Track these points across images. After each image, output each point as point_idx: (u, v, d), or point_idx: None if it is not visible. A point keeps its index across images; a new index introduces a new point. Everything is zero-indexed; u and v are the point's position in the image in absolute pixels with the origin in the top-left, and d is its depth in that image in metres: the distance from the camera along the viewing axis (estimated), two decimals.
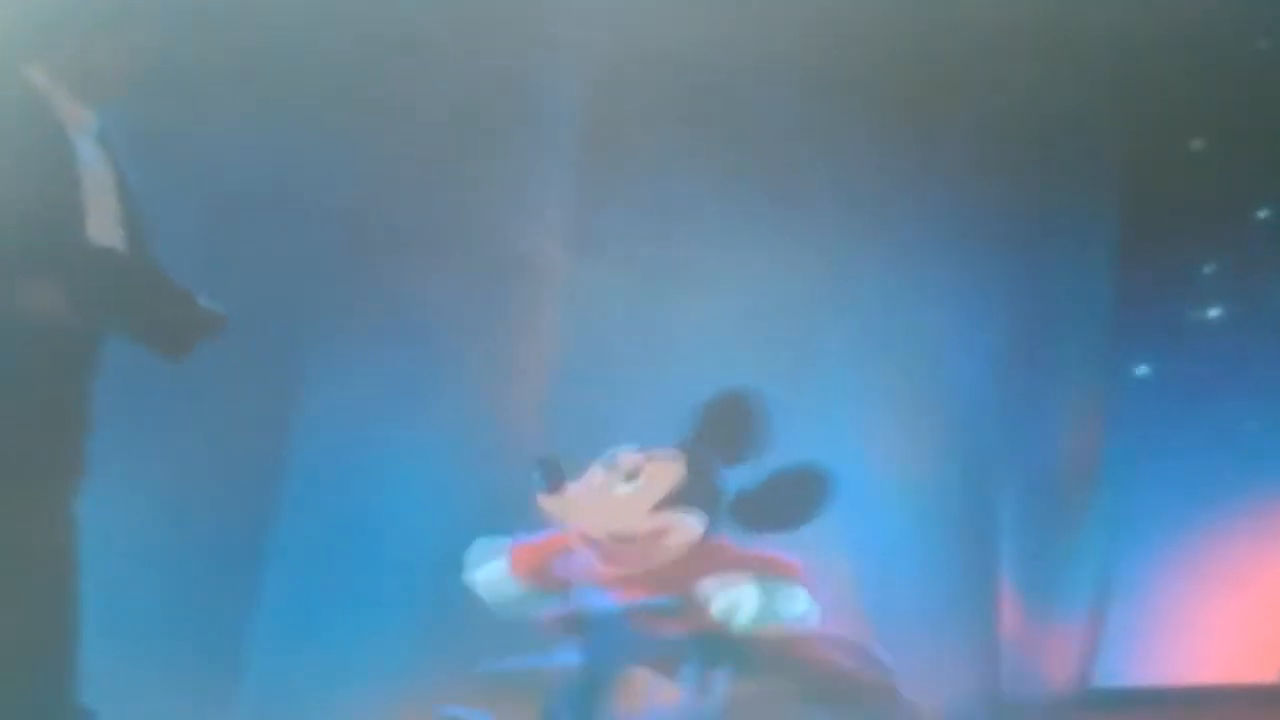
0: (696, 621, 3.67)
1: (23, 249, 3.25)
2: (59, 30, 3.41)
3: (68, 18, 3.41)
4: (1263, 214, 5.05)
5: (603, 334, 4.50)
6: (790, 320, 4.60)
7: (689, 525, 3.79)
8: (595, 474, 3.83)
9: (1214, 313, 5.04)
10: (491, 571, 3.82)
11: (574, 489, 3.80)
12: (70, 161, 3.37)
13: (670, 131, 4.57)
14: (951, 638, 4.61)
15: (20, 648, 3.23)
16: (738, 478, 3.83)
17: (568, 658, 3.69)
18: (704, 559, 3.77)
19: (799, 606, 3.69)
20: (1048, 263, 4.88)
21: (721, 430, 3.85)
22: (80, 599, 3.30)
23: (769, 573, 3.69)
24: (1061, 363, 4.87)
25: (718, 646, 3.68)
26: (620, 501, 3.78)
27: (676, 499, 3.79)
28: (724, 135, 4.60)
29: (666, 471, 3.83)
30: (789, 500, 3.78)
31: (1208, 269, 5.07)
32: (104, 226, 3.37)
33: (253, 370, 4.04)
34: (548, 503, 3.78)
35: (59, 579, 3.29)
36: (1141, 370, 5.01)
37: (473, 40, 4.40)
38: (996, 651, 4.75)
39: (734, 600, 3.64)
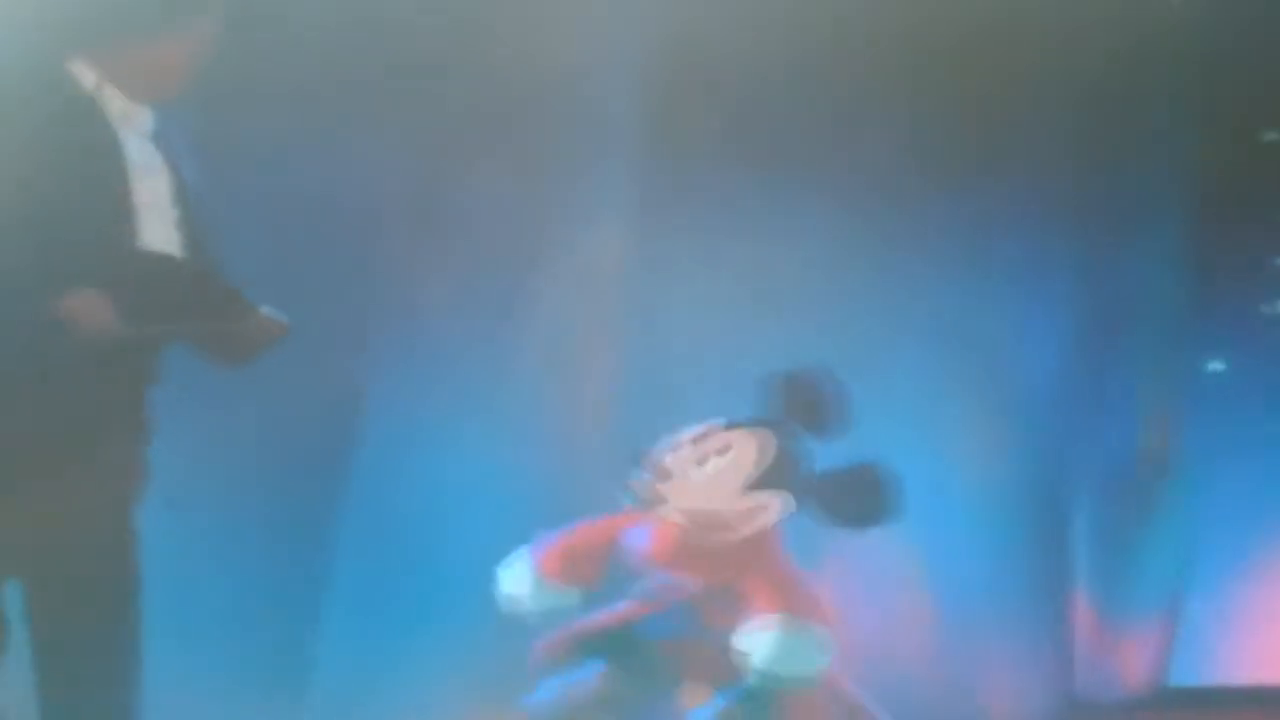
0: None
1: (68, 255, 3.21)
2: (106, 25, 3.35)
3: (116, 12, 3.35)
4: None
5: (666, 336, 4.48)
6: (858, 318, 4.57)
7: (777, 507, 3.73)
8: (683, 450, 3.78)
9: None
10: (518, 578, 3.77)
11: (668, 466, 3.76)
12: (118, 162, 3.28)
13: (732, 126, 4.56)
14: (1025, 638, 4.57)
15: (83, 660, 3.22)
16: (820, 459, 3.79)
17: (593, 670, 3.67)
18: (756, 553, 3.72)
19: (815, 660, 3.63)
20: (1121, 257, 4.83)
21: (804, 403, 3.80)
22: (142, 614, 3.28)
23: (799, 612, 3.63)
24: (1135, 358, 4.82)
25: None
26: (712, 479, 3.73)
27: (768, 478, 3.73)
28: (786, 129, 4.58)
29: (755, 447, 3.77)
30: (868, 497, 3.73)
31: None
32: (159, 231, 3.32)
33: (315, 377, 4.03)
34: (648, 488, 3.72)
35: (120, 592, 3.27)
36: (1216, 365, 4.95)
37: (532, 42, 4.39)
38: (1070, 651, 4.71)
39: (758, 642, 3.59)
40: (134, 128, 3.35)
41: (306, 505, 4.17)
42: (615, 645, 3.71)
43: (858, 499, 3.72)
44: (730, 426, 3.78)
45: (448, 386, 4.28)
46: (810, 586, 3.69)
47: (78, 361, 3.16)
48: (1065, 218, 4.72)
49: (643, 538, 3.73)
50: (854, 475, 3.72)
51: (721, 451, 3.74)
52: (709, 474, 3.72)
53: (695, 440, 3.76)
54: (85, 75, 3.33)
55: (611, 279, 4.49)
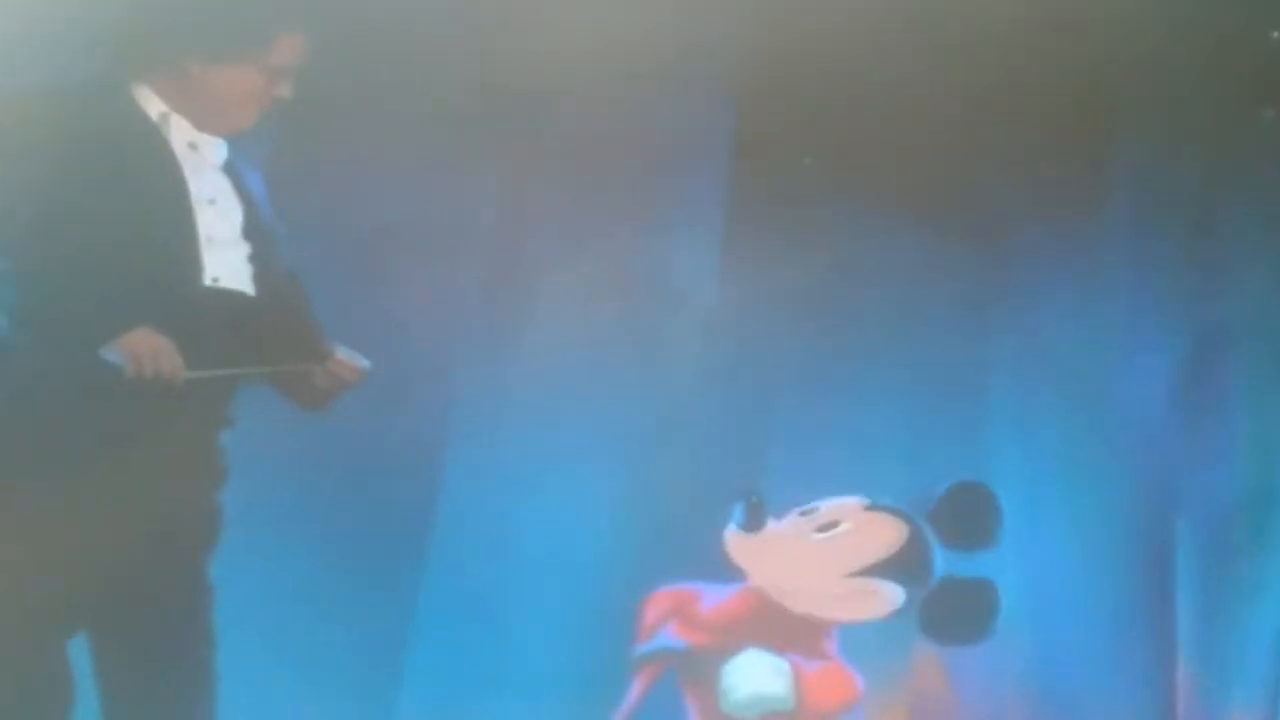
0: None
1: (127, 290, 3.13)
2: (174, 52, 3.28)
3: (183, 39, 3.27)
4: None
5: (756, 365, 4.41)
6: (951, 341, 4.49)
7: (888, 596, 3.65)
8: (792, 522, 3.72)
9: None
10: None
11: (770, 532, 3.70)
12: (182, 194, 3.23)
13: (818, 151, 4.49)
14: (1121, 684, 4.47)
15: (153, 717, 3.17)
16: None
17: None
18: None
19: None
20: (1227, 285, 4.72)
21: (958, 517, 3.73)
22: (215, 669, 3.22)
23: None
24: (1240, 389, 4.70)
25: None
26: (817, 553, 3.66)
27: (888, 568, 3.66)
28: (881, 151, 4.50)
29: (883, 532, 3.70)
30: (974, 621, 3.66)
31: None
32: (228, 267, 3.26)
33: (396, 421, 3.97)
34: (737, 542, 3.66)
35: (193, 645, 3.22)
36: None
37: (622, 64, 4.32)
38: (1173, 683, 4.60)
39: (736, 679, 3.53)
40: (203, 158, 3.29)
41: (387, 555, 4.11)
42: None
43: (964, 620, 3.65)
44: (869, 508, 3.71)
45: (536, 425, 4.21)
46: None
47: (143, 404, 3.10)
48: (1171, 246, 4.61)
49: (719, 600, 3.68)
50: (967, 593, 3.64)
51: (827, 526, 3.67)
52: (810, 546, 3.64)
53: (804, 513, 3.69)
54: (151, 103, 3.27)
55: (706, 316, 4.42)
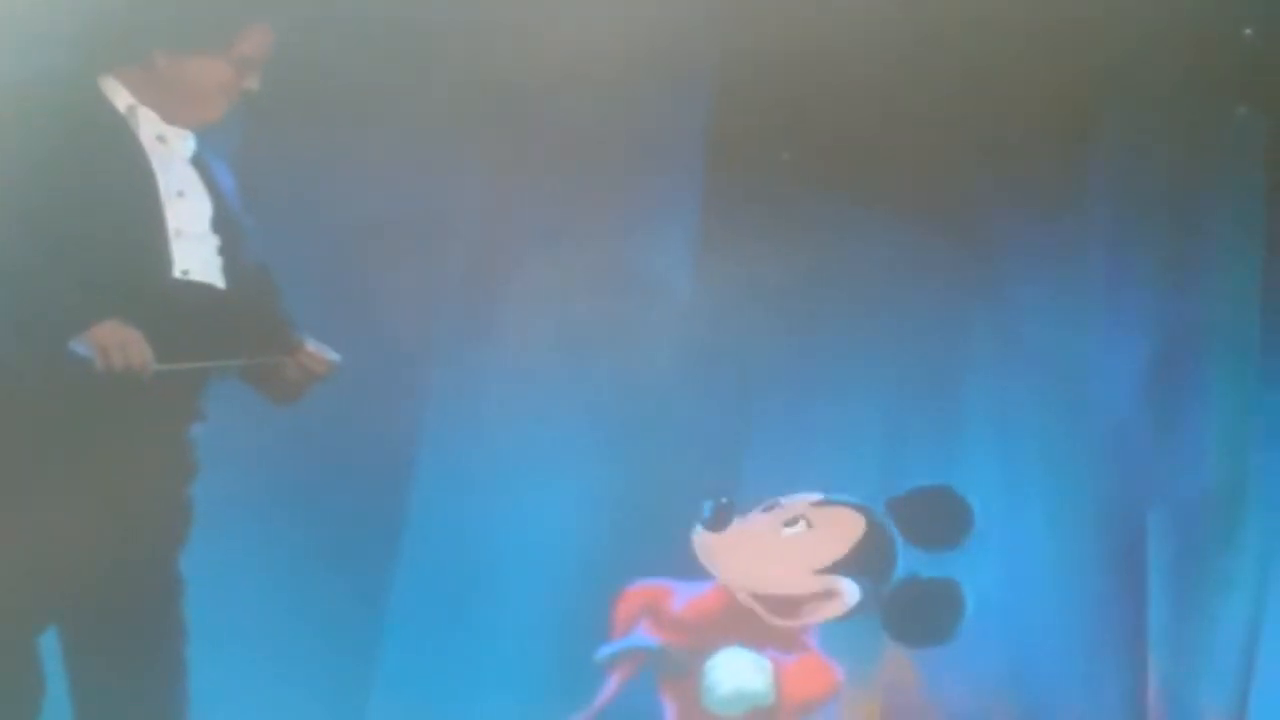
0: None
1: (92, 282, 3.10)
2: (140, 44, 3.25)
3: (149, 31, 3.25)
4: None
5: (733, 361, 4.41)
6: (928, 338, 4.50)
7: (847, 594, 3.66)
8: (755, 519, 3.72)
9: None
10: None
11: (735, 531, 3.69)
12: (148, 186, 3.19)
13: (796, 146, 4.49)
14: (1093, 677, 4.48)
15: (124, 709, 3.15)
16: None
17: None
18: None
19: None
20: (1199, 282, 4.73)
21: (923, 517, 3.73)
22: (185, 661, 3.21)
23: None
24: (1212, 385, 4.72)
25: None
26: (783, 550, 3.66)
27: (849, 563, 3.67)
28: (857, 144, 4.50)
29: (844, 527, 3.70)
30: (936, 619, 3.67)
31: None
32: (196, 259, 3.23)
33: (367, 411, 3.97)
34: (704, 541, 3.66)
35: (164, 637, 3.20)
36: None
37: (601, 60, 4.32)
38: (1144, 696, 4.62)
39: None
40: (172, 151, 3.26)
41: (360, 550, 4.11)
42: None
43: (925, 618, 3.66)
44: (825, 503, 3.71)
45: (508, 427, 4.21)
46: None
47: (113, 397, 3.08)
48: (1146, 243, 4.62)
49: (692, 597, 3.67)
50: (929, 591, 3.65)
51: (791, 522, 3.67)
52: (779, 543, 3.65)
53: (767, 509, 3.69)
54: (119, 95, 3.25)
55: (682, 312, 4.41)
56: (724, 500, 3.70)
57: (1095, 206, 4.62)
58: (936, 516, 3.74)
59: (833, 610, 3.68)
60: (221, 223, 3.29)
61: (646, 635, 3.71)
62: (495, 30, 4.23)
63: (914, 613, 3.66)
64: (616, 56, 4.31)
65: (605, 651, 3.80)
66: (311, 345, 3.32)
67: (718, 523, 3.66)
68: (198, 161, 3.29)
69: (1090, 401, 4.59)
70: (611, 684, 3.74)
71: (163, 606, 3.20)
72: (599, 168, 4.39)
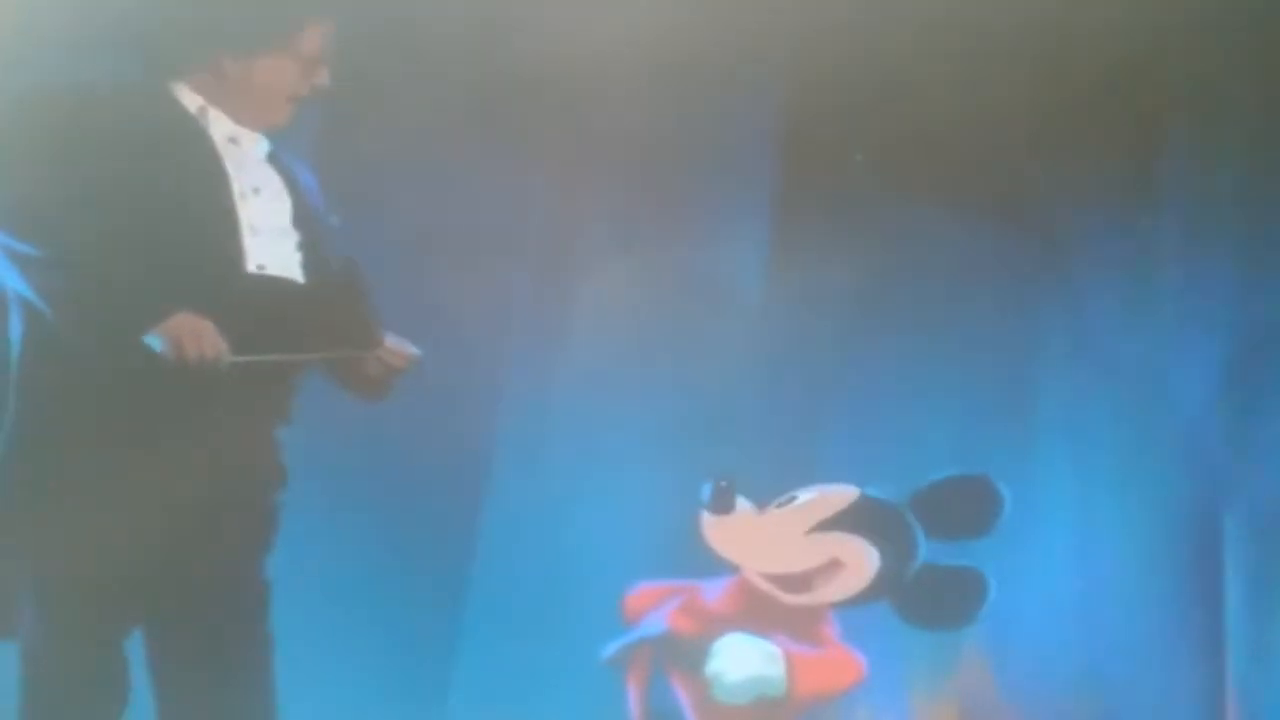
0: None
1: (166, 279, 3.13)
2: (207, 48, 3.29)
3: (216, 35, 3.28)
4: None
5: (804, 363, 4.40)
6: (1001, 340, 4.48)
7: (860, 553, 3.61)
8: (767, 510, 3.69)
9: None
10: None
11: (741, 515, 3.66)
12: (221, 184, 3.23)
13: (868, 149, 4.48)
14: (1170, 681, 4.45)
15: (209, 714, 3.16)
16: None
17: None
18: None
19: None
20: (1273, 276, 4.70)
21: (948, 507, 3.70)
22: (271, 666, 3.22)
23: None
24: None
25: None
26: (774, 523, 3.63)
27: (839, 520, 3.62)
28: (926, 152, 4.49)
29: (834, 495, 3.67)
30: (959, 602, 3.64)
31: None
32: (275, 255, 3.25)
33: (447, 416, 3.97)
34: (710, 526, 3.63)
35: (249, 643, 3.21)
36: None
37: (671, 62, 4.32)
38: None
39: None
40: (245, 152, 3.29)
41: (437, 553, 4.12)
42: None
43: (946, 602, 3.63)
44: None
45: (581, 430, 4.21)
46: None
47: (197, 398, 3.10)
48: (1219, 245, 4.59)
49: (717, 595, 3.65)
50: (952, 577, 3.62)
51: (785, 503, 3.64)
52: (771, 518, 3.61)
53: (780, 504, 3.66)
54: (190, 99, 3.28)
55: (752, 317, 4.41)
56: (723, 482, 3.65)
57: (1169, 209, 4.60)
58: (959, 506, 3.70)
59: (847, 582, 3.63)
60: (301, 219, 3.32)
61: (654, 624, 3.68)
62: (566, 37, 4.23)
63: (931, 597, 3.62)
64: (685, 61, 4.32)
65: (611, 649, 3.76)
66: (391, 340, 3.33)
67: (718, 504, 3.62)
68: (274, 160, 3.33)
69: (1165, 404, 4.56)
70: (632, 693, 3.71)
71: (248, 612, 3.21)
72: (669, 172, 4.39)
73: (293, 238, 3.29)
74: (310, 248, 3.31)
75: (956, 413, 4.34)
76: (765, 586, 3.68)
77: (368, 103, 3.91)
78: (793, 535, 3.65)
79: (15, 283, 3.12)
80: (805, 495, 3.75)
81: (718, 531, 3.66)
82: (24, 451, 3.12)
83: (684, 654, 3.70)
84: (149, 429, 3.12)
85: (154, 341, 3.05)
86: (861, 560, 3.69)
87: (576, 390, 4.26)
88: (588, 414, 4.23)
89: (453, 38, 4.13)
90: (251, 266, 3.22)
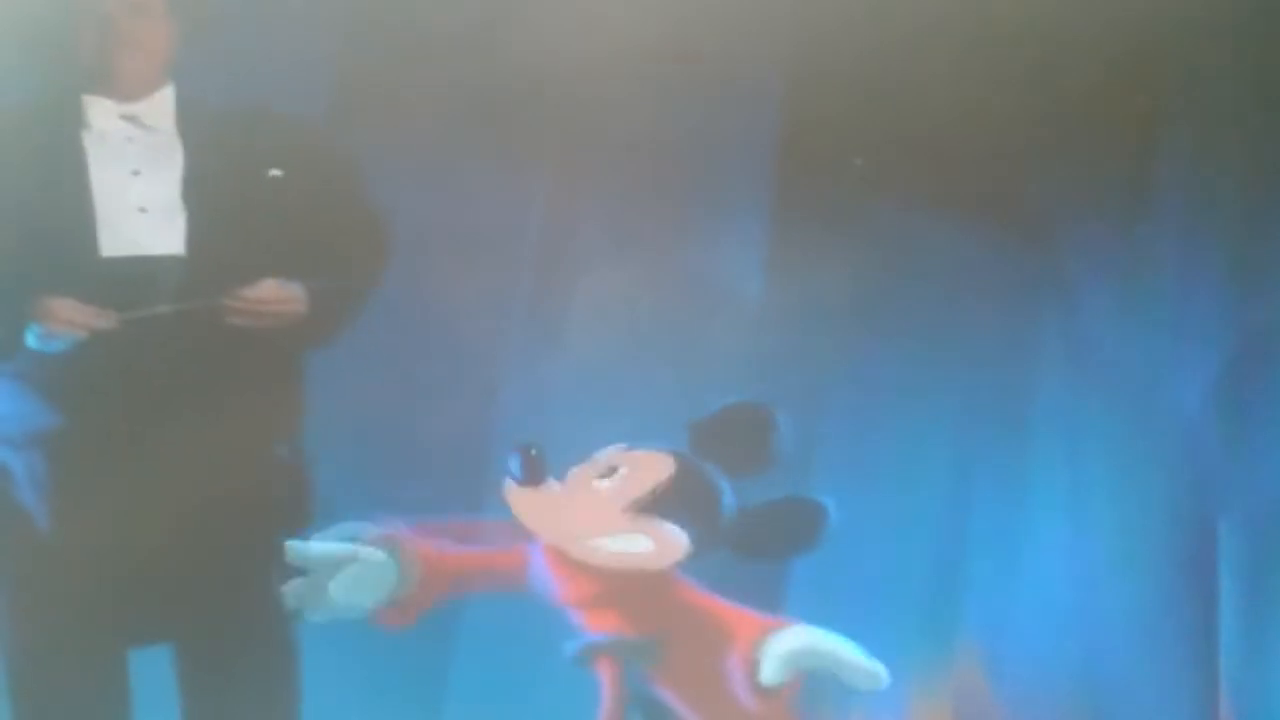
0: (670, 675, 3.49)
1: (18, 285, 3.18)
2: (61, 41, 3.34)
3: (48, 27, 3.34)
4: None
5: (801, 367, 4.40)
6: (997, 342, 4.49)
7: (671, 538, 3.54)
8: (574, 474, 3.61)
9: None
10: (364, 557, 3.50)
11: (551, 487, 3.58)
12: (73, 180, 3.28)
13: (868, 153, 4.48)
14: (1163, 686, 4.46)
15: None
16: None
17: None
18: (672, 596, 3.55)
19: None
20: (1271, 278, 4.70)
21: (727, 438, 3.62)
22: (299, 679, 3.22)
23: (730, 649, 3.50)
24: None
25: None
26: (592, 500, 3.56)
27: (658, 502, 3.55)
28: (926, 156, 4.49)
29: (652, 468, 3.60)
30: (788, 528, 3.57)
31: None
32: (154, 235, 3.31)
33: (440, 415, 3.97)
34: (516, 498, 3.54)
35: (276, 656, 3.22)
36: None
37: (668, 62, 4.32)
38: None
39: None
40: (144, 126, 3.32)
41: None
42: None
43: (778, 533, 3.55)
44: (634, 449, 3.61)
45: (576, 432, 4.21)
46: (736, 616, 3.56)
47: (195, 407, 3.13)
48: (1217, 247, 4.60)
49: (546, 576, 3.57)
50: (777, 510, 3.56)
51: (609, 472, 3.57)
52: (588, 494, 3.55)
53: (587, 463, 3.58)
54: (62, 78, 3.32)
55: (750, 320, 4.41)
56: (532, 450, 3.54)
57: (1165, 214, 4.60)
58: (741, 437, 3.62)
59: (655, 545, 3.53)
60: (195, 187, 3.34)
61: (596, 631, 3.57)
62: (561, 36, 4.23)
63: (764, 532, 3.54)
64: (685, 63, 4.32)
65: (574, 648, 3.66)
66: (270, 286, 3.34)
67: (529, 476, 3.51)
68: (188, 121, 3.35)
69: (1160, 409, 4.56)
70: (607, 686, 3.63)
71: (273, 619, 3.23)
72: (667, 174, 4.39)
73: (181, 211, 3.35)
74: (206, 216, 3.35)
75: (952, 416, 4.35)
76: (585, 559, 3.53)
77: (365, 102, 3.92)
78: (611, 511, 3.53)
79: None
80: (613, 459, 3.61)
81: (525, 503, 3.53)
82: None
83: (640, 653, 3.60)
84: (154, 430, 3.15)
85: (33, 336, 3.13)
86: (672, 535, 3.57)
87: (573, 391, 4.26)
88: (584, 415, 4.23)
89: (451, 36, 4.13)
90: (113, 251, 3.28)
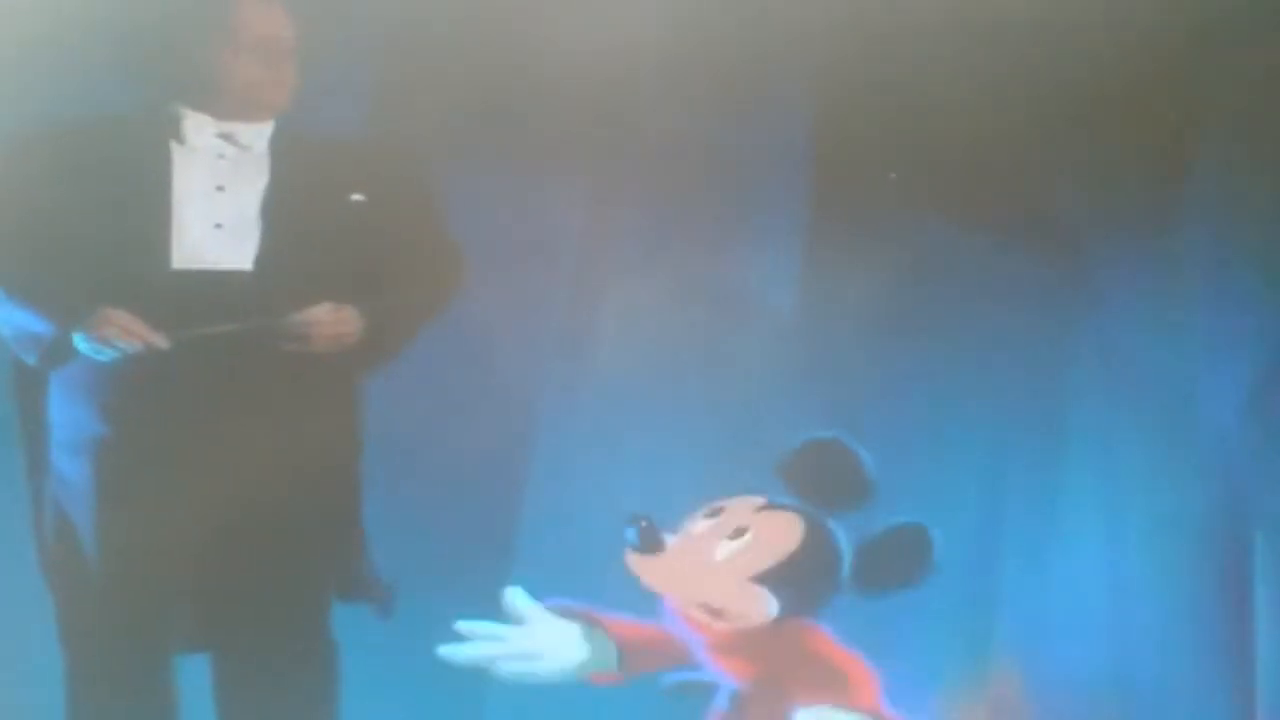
0: None
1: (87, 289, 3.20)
2: (172, 55, 3.34)
3: (170, 41, 3.35)
4: None
5: (835, 380, 4.41)
6: (1030, 357, 4.48)
7: (767, 605, 3.55)
8: (697, 527, 3.64)
9: None
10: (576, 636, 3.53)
11: (672, 548, 3.59)
12: (156, 189, 3.29)
13: (903, 168, 4.49)
14: (1198, 700, 4.45)
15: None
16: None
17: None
18: (795, 645, 3.56)
19: None
20: None
21: (820, 477, 3.63)
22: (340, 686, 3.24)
23: (849, 702, 3.51)
24: None
25: None
26: (717, 567, 3.57)
27: (787, 570, 3.58)
28: (960, 171, 4.50)
29: (783, 536, 3.61)
30: (902, 560, 3.59)
31: None
32: (229, 250, 3.31)
33: (480, 427, 3.99)
34: (640, 566, 3.57)
35: (320, 660, 3.22)
36: None
37: (701, 79, 4.34)
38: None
39: None
40: (237, 146, 3.33)
41: (473, 565, 4.12)
42: None
43: (889, 572, 3.58)
44: (769, 507, 3.64)
45: (613, 442, 4.23)
46: (857, 670, 3.57)
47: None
48: (1249, 262, 4.59)
49: (688, 633, 3.60)
50: (885, 544, 3.58)
51: (739, 533, 3.59)
52: (717, 560, 3.57)
53: (709, 515, 3.61)
54: (175, 110, 3.33)
55: (784, 333, 4.42)
56: (644, 522, 3.57)
57: (1196, 224, 4.60)
58: (830, 474, 3.63)
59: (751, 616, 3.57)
60: (273, 209, 3.36)
61: (719, 671, 3.60)
62: (602, 48, 4.26)
63: (878, 569, 3.56)
64: (720, 76, 4.34)
65: (676, 680, 3.70)
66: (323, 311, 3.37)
67: (647, 545, 3.54)
68: (278, 147, 3.37)
69: (1194, 420, 4.56)
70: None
71: (314, 622, 3.25)
72: (702, 186, 4.41)
73: (256, 228, 3.36)
74: (280, 235, 3.37)
75: (986, 428, 4.35)
76: (696, 615, 3.59)
77: (404, 117, 3.94)
78: (737, 579, 3.57)
79: None
80: (731, 506, 3.62)
81: (648, 568, 3.57)
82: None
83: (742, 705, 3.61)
84: (202, 444, 3.18)
85: (82, 343, 3.15)
86: (768, 603, 3.59)
87: (606, 402, 4.28)
88: (618, 425, 4.25)
89: (487, 47, 4.16)
90: (183, 264, 3.30)
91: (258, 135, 3.38)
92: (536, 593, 4.19)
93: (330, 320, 3.42)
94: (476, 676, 4.10)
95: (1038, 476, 4.35)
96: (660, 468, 4.21)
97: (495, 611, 4.14)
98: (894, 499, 4.15)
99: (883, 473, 4.31)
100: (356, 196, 3.48)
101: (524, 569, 4.21)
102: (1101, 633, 4.35)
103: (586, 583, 4.17)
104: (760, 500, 3.65)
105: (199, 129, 3.36)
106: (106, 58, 3.47)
